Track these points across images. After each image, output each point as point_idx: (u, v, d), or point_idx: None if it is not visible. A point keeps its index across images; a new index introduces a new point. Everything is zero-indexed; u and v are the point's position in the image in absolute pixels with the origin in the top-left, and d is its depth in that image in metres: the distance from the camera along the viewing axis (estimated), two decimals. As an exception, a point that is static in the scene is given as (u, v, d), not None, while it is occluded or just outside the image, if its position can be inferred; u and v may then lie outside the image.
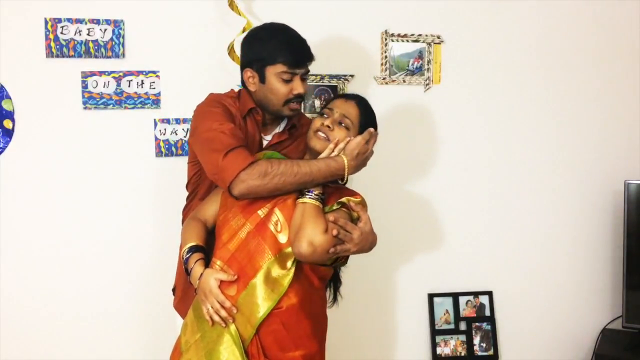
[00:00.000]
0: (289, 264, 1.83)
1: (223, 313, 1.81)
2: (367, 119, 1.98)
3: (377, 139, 1.99)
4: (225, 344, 1.81)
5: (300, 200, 1.84)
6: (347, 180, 1.94)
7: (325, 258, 1.83)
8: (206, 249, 1.95)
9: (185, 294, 2.11)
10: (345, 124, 1.93)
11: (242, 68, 2.07)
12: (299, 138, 2.14)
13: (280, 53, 1.98)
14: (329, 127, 1.91)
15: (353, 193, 1.95)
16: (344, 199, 1.89)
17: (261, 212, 1.87)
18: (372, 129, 1.95)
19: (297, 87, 2.00)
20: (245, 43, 2.08)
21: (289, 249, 1.83)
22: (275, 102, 2.02)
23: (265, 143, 2.11)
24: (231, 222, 1.89)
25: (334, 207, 1.88)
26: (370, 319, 2.89)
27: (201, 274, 1.86)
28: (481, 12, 2.85)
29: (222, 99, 2.06)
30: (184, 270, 1.94)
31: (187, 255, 1.93)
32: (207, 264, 1.91)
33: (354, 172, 1.93)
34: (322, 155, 1.91)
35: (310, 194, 1.84)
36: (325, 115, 1.95)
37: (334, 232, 1.80)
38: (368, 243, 1.92)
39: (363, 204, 1.94)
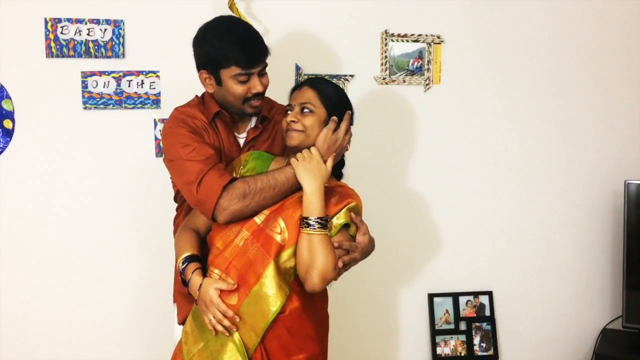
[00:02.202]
0: (290, 272, 1.82)
1: (226, 322, 1.79)
2: (328, 96, 1.91)
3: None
4: (229, 353, 1.79)
5: (305, 231, 1.77)
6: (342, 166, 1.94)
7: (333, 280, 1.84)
8: (202, 258, 1.92)
9: (185, 310, 2.08)
10: (307, 109, 1.88)
11: (197, 69, 2.02)
12: (276, 127, 2.10)
13: (232, 55, 1.91)
14: (293, 121, 1.88)
15: (347, 194, 1.90)
16: (346, 219, 1.85)
17: (258, 219, 1.84)
18: (334, 118, 1.89)
19: (255, 86, 1.95)
20: (196, 44, 2.01)
21: (288, 251, 1.81)
22: (234, 102, 1.98)
23: (241, 142, 2.08)
24: (225, 229, 1.86)
25: (337, 229, 1.84)
26: (371, 319, 2.89)
27: (200, 284, 1.83)
28: (481, 12, 2.85)
29: (186, 114, 2.01)
30: (182, 281, 1.91)
31: (184, 266, 1.89)
32: (204, 273, 1.89)
33: (333, 162, 1.89)
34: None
35: (314, 222, 1.77)
36: (289, 112, 1.92)
37: (340, 264, 1.80)
38: (368, 252, 1.94)
39: (359, 209, 1.91)
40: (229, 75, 1.94)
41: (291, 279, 1.83)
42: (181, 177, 1.91)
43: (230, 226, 1.86)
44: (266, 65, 1.99)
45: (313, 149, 1.86)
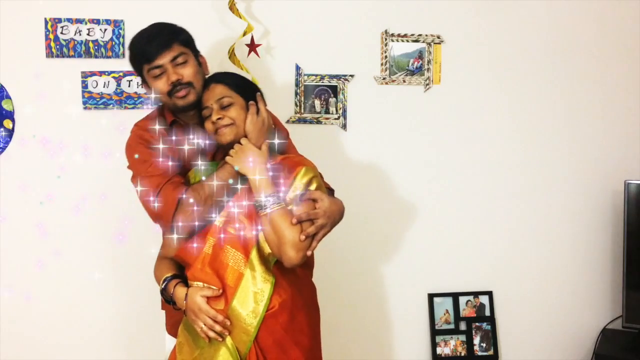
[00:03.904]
0: (271, 261, 1.83)
1: (217, 328, 1.80)
2: (237, 83, 1.95)
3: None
4: (221, 358, 1.79)
5: (262, 212, 1.80)
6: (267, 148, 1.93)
7: (310, 253, 1.84)
8: (182, 277, 1.92)
9: (172, 318, 2.09)
10: (226, 103, 1.90)
11: None
12: None
13: (137, 56, 1.98)
14: (220, 118, 1.89)
15: (295, 163, 1.89)
16: (302, 188, 1.85)
17: (218, 222, 1.86)
18: (252, 102, 1.92)
19: (170, 76, 1.93)
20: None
21: (265, 247, 1.82)
22: (164, 99, 1.98)
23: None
24: (189, 243, 1.87)
25: (292, 204, 1.84)
26: (371, 319, 2.89)
27: (186, 294, 1.84)
28: (481, 12, 2.85)
29: (144, 128, 2.02)
30: (165, 301, 1.93)
31: (164, 285, 1.90)
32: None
33: (267, 142, 1.92)
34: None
35: (266, 202, 1.80)
36: (208, 115, 1.92)
37: (302, 237, 1.79)
38: (336, 215, 1.92)
39: (311, 171, 1.88)
40: (147, 75, 1.97)
41: (272, 266, 1.84)
42: (142, 194, 1.92)
43: (193, 238, 1.87)
44: (180, 54, 1.96)
45: (242, 140, 1.89)
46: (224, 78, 1.97)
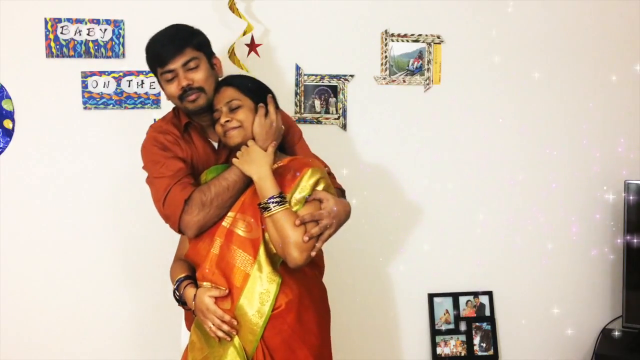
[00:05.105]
0: (277, 261, 1.84)
1: (225, 327, 1.82)
2: (246, 86, 1.97)
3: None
4: (229, 357, 1.81)
5: (266, 214, 1.82)
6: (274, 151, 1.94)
7: (315, 254, 1.84)
8: (194, 278, 1.94)
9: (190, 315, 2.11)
10: (234, 106, 1.92)
11: None
12: None
13: (150, 60, 2.02)
14: (228, 121, 1.91)
15: (302, 164, 1.90)
16: (309, 190, 1.86)
17: (225, 223, 1.88)
18: (261, 105, 1.93)
19: (181, 81, 1.96)
20: None
21: (272, 247, 1.83)
22: (176, 103, 2.03)
23: (216, 145, 2.10)
24: (199, 244, 1.90)
25: (303, 203, 1.85)
26: (370, 319, 2.89)
27: (195, 295, 1.87)
28: (481, 12, 2.84)
29: (159, 130, 2.05)
30: (177, 302, 1.95)
31: (176, 285, 1.93)
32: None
33: (275, 146, 1.93)
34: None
35: (270, 204, 1.81)
36: (218, 117, 1.95)
37: (306, 238, 1.80)
38: (341, 216, 1.92)
39: (318, 172, 1.89)
40: (160, 78, 2.01)
41: (278, 266, 1.85)
42: (154, 194, 1.97)
43: (202, 239, 1.89)
44: (192, 59, 1.98)
45: (249, 142, 1.91)
46: (234, 81, 1.99)
